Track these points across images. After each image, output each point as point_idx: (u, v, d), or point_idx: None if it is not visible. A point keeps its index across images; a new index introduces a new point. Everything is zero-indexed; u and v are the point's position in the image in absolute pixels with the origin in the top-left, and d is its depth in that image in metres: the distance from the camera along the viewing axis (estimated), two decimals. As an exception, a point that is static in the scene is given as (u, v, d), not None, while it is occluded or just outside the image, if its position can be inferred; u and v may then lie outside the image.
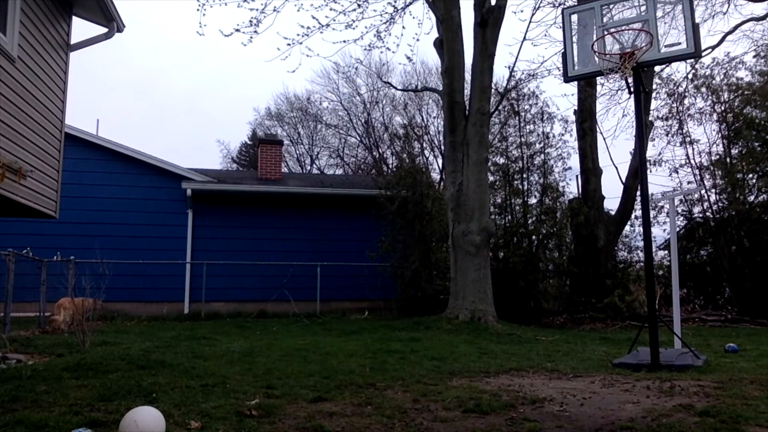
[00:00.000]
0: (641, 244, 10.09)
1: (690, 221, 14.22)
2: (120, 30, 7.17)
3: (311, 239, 13.87)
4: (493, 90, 12.42)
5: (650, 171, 13.17)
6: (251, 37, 12.39)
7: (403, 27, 17.88)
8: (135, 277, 12.29)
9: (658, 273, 13.24)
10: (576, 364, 5.73)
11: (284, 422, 3.19)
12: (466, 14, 12.15)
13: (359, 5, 12.59)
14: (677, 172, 13.71)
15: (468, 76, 12.65)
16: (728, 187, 13.09)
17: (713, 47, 13.57)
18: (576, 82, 13.01)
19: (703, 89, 13.56)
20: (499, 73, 35.06)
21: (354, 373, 4.93)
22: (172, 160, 13.83)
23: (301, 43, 12.50)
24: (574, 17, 6.45)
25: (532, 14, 17.89)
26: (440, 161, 20.94)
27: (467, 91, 12.33)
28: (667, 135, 14.01)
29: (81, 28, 7.36)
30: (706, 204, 13.64)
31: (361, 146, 26.36)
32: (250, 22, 12.16)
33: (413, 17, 38.31)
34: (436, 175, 19.68)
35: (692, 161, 13.53)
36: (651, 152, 13.96)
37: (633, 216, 13.87)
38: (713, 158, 13.58)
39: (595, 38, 6.09)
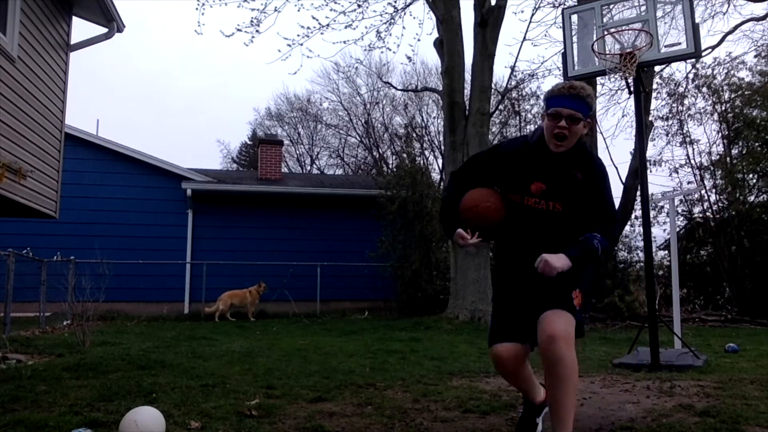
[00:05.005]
0: (641, 244, 10.07)
1: (690, 221, 14.22)
2: (120, 30, 7.18)
3: (311, 239, 13.87)
4: (493, 90, 12.42)
5: (650, 171, 13.18)
6: (252, 37, 12.47)
7: (404, 27, 17.91)
8: (135, 277, 12.29)
9: (658, 273, 13.23)
10: (576, 364, 5.72)
11: (284, 422, 3.19)
12: (466, 14, 12.17)
13: (359, 5, 12.61)
14: (677, 172, 13.72)
15: (468, 76, 12.66)
16: (728, 187, 13.09)
17: (713, 47, 13.57)
18: (576, 82, 13.00)
19: (704, 89, 13.57)
20: (499, 73, 35.06)
21: (354, 373, 4.93)
22: (172, 160, 13.86)
23: (301, 44, 12.55)
24: (574, 17, 6.45)
25: (532, 14, 17.91)
26: (440, 161, 20.95)
27: (467, 91, 12.33)
28: (667, 135, 14.03)
29: (81, 28, 7.37)
30: (706, 204, 13.64)
31: (361, 146, 26.37)
32: (251, 22, 12.19)
33: (414, 17, 38.34)
34: (436, 175, 19.67)
35: (692, 161, 13.54)
36: (651, 152, 13.98)
37: (633, 216, 13.87)
38: (713, 158, 13.58)
39: (595, 38, 6.09)
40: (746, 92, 13.37)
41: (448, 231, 2.63)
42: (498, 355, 2.57)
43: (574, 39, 6.35)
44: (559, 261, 2.32)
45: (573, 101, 2.46)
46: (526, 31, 18.12)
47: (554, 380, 2.36)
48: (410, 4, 13.22)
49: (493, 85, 12.37)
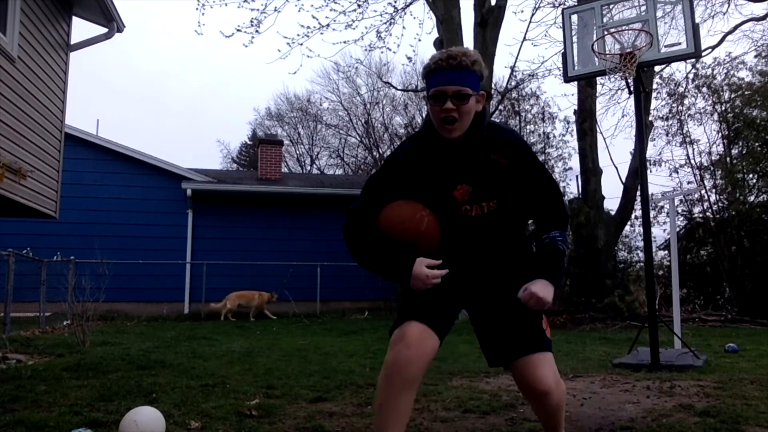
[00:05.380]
0: (641, 244, 10.08)
1: (690, 221, 14.22)
2: (120, 30, 7.18)
3: (311, 239, 13.87)
4: (493, 90, 12.42)
5: (650, 171, 13.19)
6: (252, 37, 12.48)
7: (404, 27, 17.89)
8: (135, 277, 12.28)
9: (658, 273, 13.23)
10: (576, 364, 5.72)
11: (284, 422, 3.19)
12: (466, 14, 12.17)
13: (359, 5, 12.62)
14: (677, 172, 13.72)
15: (468, 76, 12.63)
16: (728, 187, 13.09)
17: (713, 47, 13.58)
18: (576, 82, 13.01)
19: (704, 89, 13.57)
20: (500, 73, 35.05)
21: (354, 373, 4.93)
22: (172, 160, 13.86)
23: (301, 44, 12.57)
24: (574, 17, 6.45)
25: (532, 14, 17.89)
26: (440, 161, 20.91)
27: (467, 91, 12.32)
28: (667, 135, 14.03)
29: (81, 28, 7.37)
30: (706, 204, 13.64)
31: (361, 146, 26.35)
32: (251, 23, 12.19)
33: (414, 17, 38.35)
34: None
35: (692, 161, 13.54)
36: (651, 152, 13.99)
37: (633, 216, 13.88)
38: (713, 158, 13.59)
39: (595, 38, 6.09)
40: (746, 92, 13.37)
41: (400, 274, 2.09)
42: (407, 334, 1.97)
43: (574, 39, 6.36)
44: (548, 292, 1.99)
45: (456, 74, 1.95)
46: (526, 31, 18.08)
47: (551, 420, 2.21)
48: (410, 4, 13.23)
49: (493, 85, 12.37)
